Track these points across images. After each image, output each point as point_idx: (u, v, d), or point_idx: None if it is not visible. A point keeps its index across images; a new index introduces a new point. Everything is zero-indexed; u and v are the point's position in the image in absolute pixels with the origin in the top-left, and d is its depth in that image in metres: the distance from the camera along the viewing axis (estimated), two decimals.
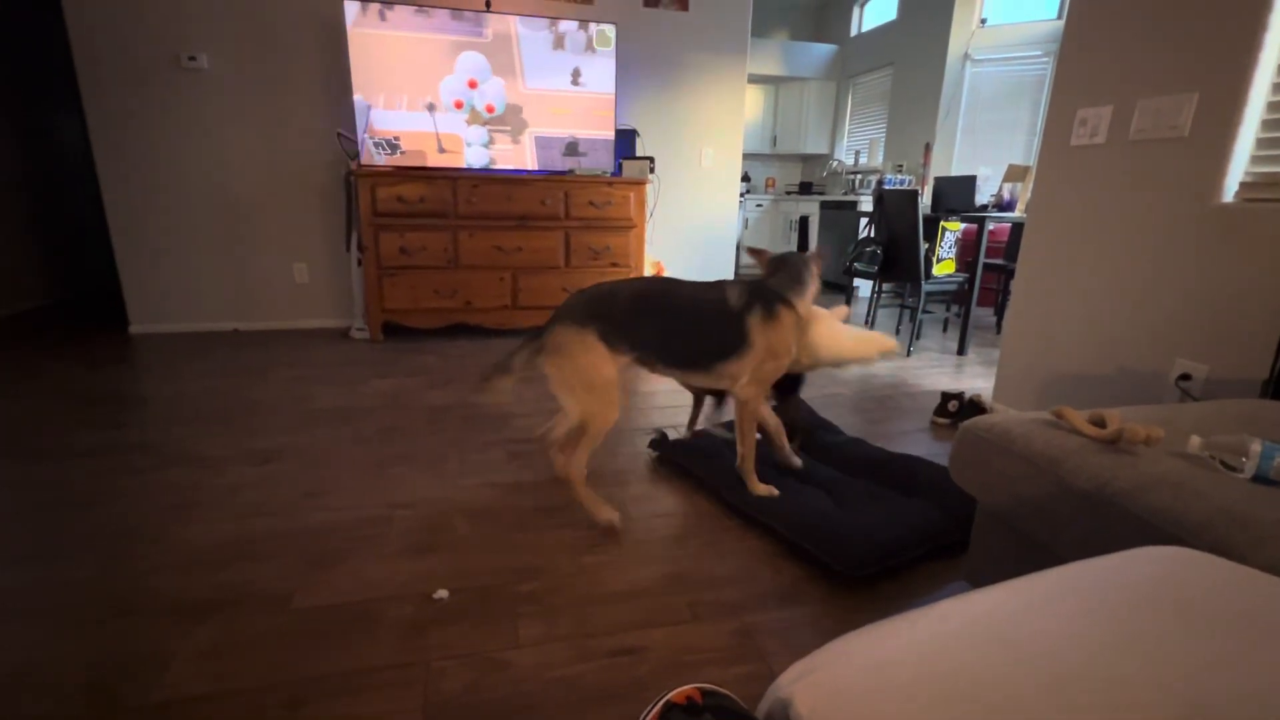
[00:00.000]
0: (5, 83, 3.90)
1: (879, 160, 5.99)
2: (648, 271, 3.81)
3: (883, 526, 1.38)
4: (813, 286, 1.66)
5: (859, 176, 6.04)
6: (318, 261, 3.65)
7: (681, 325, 1.52)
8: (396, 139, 3.31)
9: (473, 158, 3.48)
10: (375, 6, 3.14)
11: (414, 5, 3.18)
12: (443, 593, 1.26)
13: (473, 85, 3.38)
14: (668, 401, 2.47)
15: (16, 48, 3.99)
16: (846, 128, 6.61)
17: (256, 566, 1.34)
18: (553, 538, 1.48)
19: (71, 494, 1.64)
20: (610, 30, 3.46)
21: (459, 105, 3.40)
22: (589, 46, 3.46)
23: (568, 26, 3.40)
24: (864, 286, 5.31)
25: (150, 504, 1.59)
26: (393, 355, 3.08)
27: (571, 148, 3.59)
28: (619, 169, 3.62)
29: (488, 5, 3.46)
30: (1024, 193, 3.60)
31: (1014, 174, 3.76)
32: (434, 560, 1.38)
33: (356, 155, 3.31)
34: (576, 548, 1.44)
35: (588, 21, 3.43)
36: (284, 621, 1.17)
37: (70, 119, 4.44)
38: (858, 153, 6.34)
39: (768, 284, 1.59)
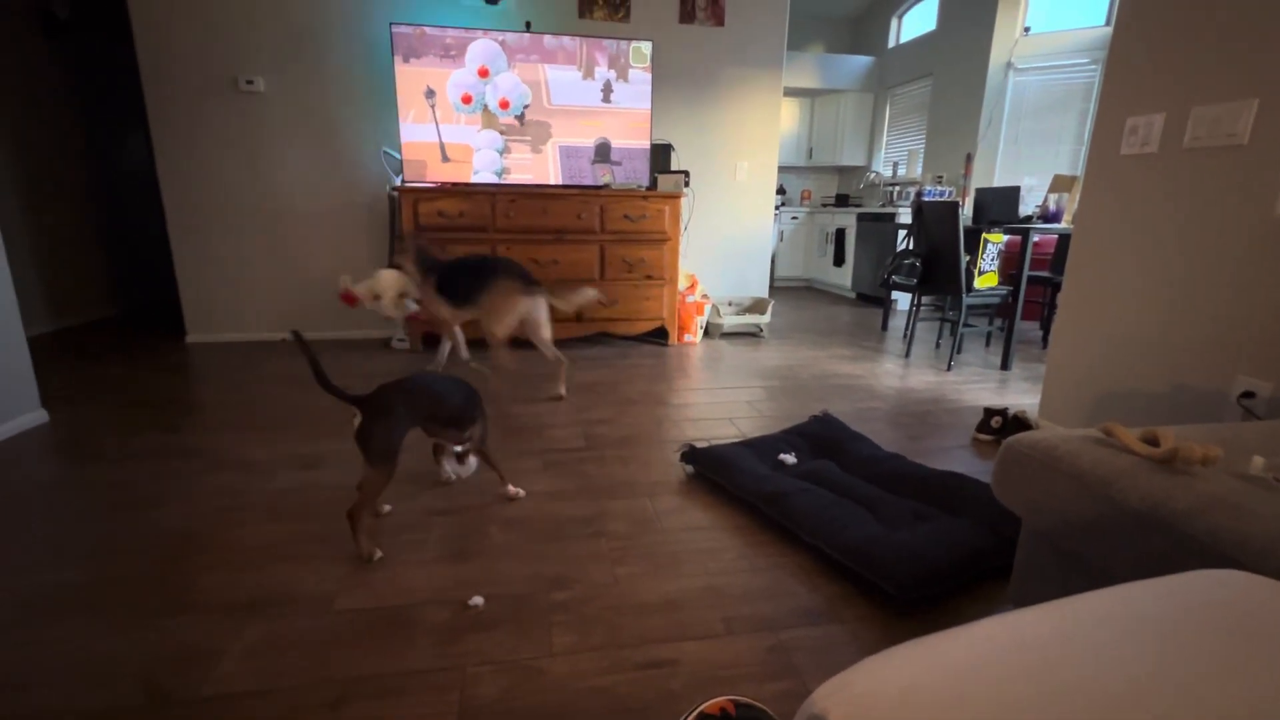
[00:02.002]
0: (79, 105, 4.17)
1: (918, 171, 5.90)
2: (683, 285, 3.82)
3: (934, 548, 1.34)
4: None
5: (897, 188, 5.96)
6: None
7: None
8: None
9: (482, 163, 3.40)
10: (402, 50, 3.23)
11: (458, 30, 3.29)
12: (478, 599, 1.28)
13: (483, 74, 3.18)
14: (699, 414, 2.46)
15: (89, 72, 4.27)
16: (884, 139, 6.54)
17: (301, 568, 1.38)
18: (586, 547, 1.49)
19: (131, 495, 1.72)
20: (646, 47, 3.51)
21: (467, 100, 3.25)
22: (621, 75, 3.50)
23: (602, 73, 3.45)
24: (902, 299, 5.22)
25: (203, 506, 1.66)
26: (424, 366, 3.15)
27: (602, 152, 3.55)
28: (654, 183, 3.65)
29: (528, 26, 3.56)
30: (1071, 203, 3.49)
31: (1060, 184, 3.66)
32: (470, 567, 1.40)
33: (400, 172, 3.42)
34: (609, 558, 1.45)
35: (621, 50, 3.48)
36: (326, 622, 1.21)
37: (136, 139, 4.71)
38: (896, 164, 6.26)
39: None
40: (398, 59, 3.25)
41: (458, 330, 2.81)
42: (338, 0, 3.43)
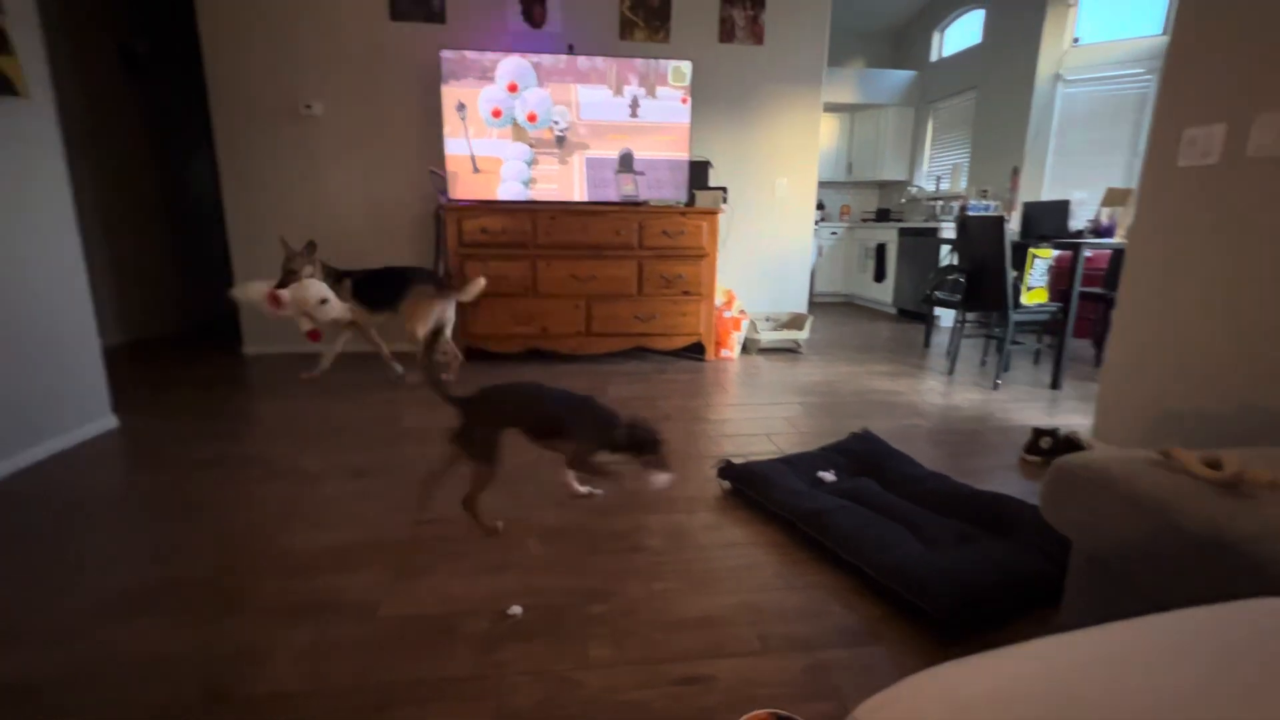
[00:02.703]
0: (152, 133, 4.45)
1: (962, 186, 5.78)
2: (720, 301, 3.82)
3: (979, 570, 1.30)
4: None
5: (940, 203, 5.85)
6: None
7: None
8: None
9: (509, 174, 3.51)
10: (448, 74, 3.37)
11: (502, 53, 3.40)
12: (517, 609, 1.30)
13: (513, 89, 3.38)
14: (735, 430, 2.45)
15: (162, 102, 4.55)
16: (926, 153, 6.44)
17: (349, 575, 1.43)
18: (623, 561, 1.50)
19: (193, 500, 1.81)
20: (686, 66, 3.55)
21: (497, 114, 3.41)
22: (650, 91, 3.55)
23: (631, 90, 3.53)
24: (946, 316, 5.10)
25: (258, 512, 1.74)
26: (474, 378, 3.22)
27: (625, 162, 3.60)
28: (692, 199, 3.68)
29: (570, 49, 3.65)
30: (1124, 217, 3.37)
31: (1114, 198, 3.54)
32: (509, 577, 1.43)
33: (446, 190, 3.54)
34: (646, 572, 1.45)
35: (651, 67, 3.53)
36: (371, 628, 1.24)
37: (203, 164, 4.98)
38: (939, 179, 6.15)
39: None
40: (443, 83, 3.38)
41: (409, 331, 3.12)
42: (390, 28, 3.59)
